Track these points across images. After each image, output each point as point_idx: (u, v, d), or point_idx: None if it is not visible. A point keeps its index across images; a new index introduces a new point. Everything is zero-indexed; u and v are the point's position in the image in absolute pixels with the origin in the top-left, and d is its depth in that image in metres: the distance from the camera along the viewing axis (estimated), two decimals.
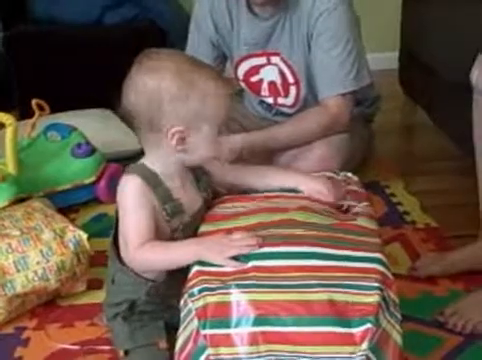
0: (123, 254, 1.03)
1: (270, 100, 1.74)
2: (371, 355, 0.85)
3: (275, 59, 1.67)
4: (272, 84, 1.70)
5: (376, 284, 0.87)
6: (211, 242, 0.94)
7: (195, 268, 0.92)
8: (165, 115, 0.98)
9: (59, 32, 2.41)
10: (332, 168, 1.45)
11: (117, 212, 1.05)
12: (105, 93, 2.34)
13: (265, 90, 1.72)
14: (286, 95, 1.70)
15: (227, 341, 0.85)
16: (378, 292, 0.86)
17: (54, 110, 1.91)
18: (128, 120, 1.02)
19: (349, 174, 1.19)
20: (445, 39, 1.84)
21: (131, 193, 0.99)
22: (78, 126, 1.89)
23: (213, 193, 1.12)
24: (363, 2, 2.00)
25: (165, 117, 0.98)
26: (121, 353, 1.09)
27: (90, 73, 2.34)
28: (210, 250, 0.92)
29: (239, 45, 1.69)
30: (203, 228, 1.03)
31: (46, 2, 2.47)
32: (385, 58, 2.71)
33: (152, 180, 1.01)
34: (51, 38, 2.40)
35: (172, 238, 1.02)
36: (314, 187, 1.08)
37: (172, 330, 1.04)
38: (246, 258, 0.91)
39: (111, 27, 2.46)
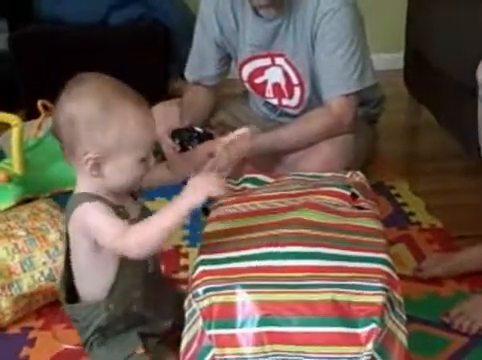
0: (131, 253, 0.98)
1: (275, 101, 1.74)
2: (376, 355, 0.85)
3: (279, 60, 1.67)
4: (276, 85, 1.70)
5: (381, 284, 0.87)
6: (186, 188, 0.95)
7: (200, 268, 0.92)
8: (80, 141, 0.97)
9: (65, 32, 2.42)
10: (337, 169, 1.46)
11: (68, 261, 1.05)
12: None
13: (269, 91, 1.72)
14: (290, 96, 1.70)
15: (232, 341, 0.85)
16: (383, 292, 0.86)
17: None
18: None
19: (358, 172, 1.19)
20: (451, 39, 1.83)
21: (98, 216, 0.98)
22: None
23: None
24: (368, 2, 2.00)
25: (80, 143, 0.97)
26: None
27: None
28: (192, 194, 0.93)
29: (244, 46, 1.69)
30: (208, 228, 1.04)
31: (51, 2, 2.48)
32: (390, 58, 2.71)
33: (98, 198, 1.01)
34: (57, 38, 2.41)
35: None
36: None
37: (148, 337, 1.06)
38: (252, 258, 0.91)
39: (117, 27, 2.47)
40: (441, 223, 1.68)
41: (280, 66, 1.67)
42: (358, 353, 0.84)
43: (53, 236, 1.38)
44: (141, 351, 1.05)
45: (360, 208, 1.05)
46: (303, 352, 0.84)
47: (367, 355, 0.84)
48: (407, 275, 1.44)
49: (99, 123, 0.96)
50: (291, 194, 1.08)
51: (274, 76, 1.69)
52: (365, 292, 0.86)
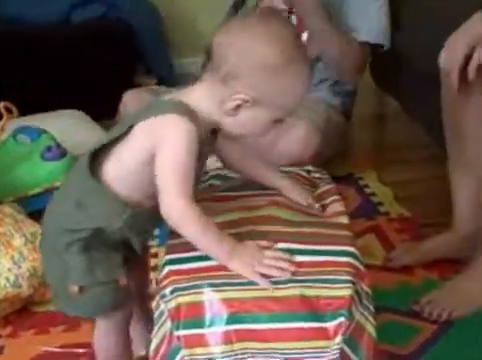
0: (164, 205, 0.90)
1: None
2: (346, 348, 0.85)
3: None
4: None
5: (348, 277, 0.87)
6: (245, 251, 0.88)
7: (166, 268, 0.91)
8: (243, 78, 0.90)
9: (26, 32, 2.36)
10: (312, 147, 1.62)
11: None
12: (75, 93, 2.34)
13: None
14: None
15: (201, 341, 0.84)
16: (350, 285, 0.86)
17: (23, 112, 1.88)
18: (206, 54, 0.92)
19: (317, 173, 1.18)
20: (415, 30, 1.84)
21: (184, 139, 0.89)
22: (48, 128, 1.86)
23: None
24: None
25: (241, 79, 0.90)
26: (75, 288, 0.98)
27: (59, 73, 2.31)
28: (241, 259, 0.87)
29: None
30: None
31: (10, 2, 2.43)
32: None
33: (196, 122, 0.92)
34: (17, 38, 2.35)
35: None
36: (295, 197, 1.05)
37: (132, 254, 1.01)
38: None
39: (79, 26, 2.44)
40: (409, 212, 1.69)
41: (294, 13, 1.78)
42: (327, 347, 0.83)
43: (18, 241, 1.36)
44: (124, 282, 1.00)
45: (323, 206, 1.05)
46: (272, 348, 0.84)
47: (336, 348, 0.84)
48: (377, 265, 1.45)
49: (272, 71, 0.89)
50: (255, 194, 1.06)
51: None
52: (333, 286, 0.86)
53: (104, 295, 0.99)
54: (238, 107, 0.92)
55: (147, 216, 0.99)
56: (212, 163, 1.67)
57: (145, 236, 1.05)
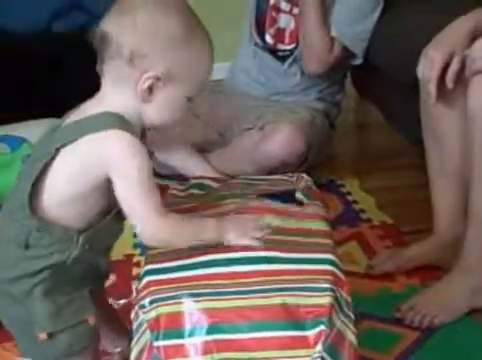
0: (140, 230, 0.89)
1: (270, 41, 1.90)
2: (327, 357, 0.84)
3: (297, 10, 1.82)
4: (281, 30, 1.88)
5: (328, 285, 0.87)
6: (234, 221, 0.94)
7: (145, 279, 0.90)
8: (149, 54, 0.87)
9: (6, 43, 2.34)
10: (298, 148, 1.66)
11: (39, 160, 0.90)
12: (55, 102, 2.32)
13: (271, 31, 1.89)
14: (291, 43, 1.89)
15: (181, 352, 0.83)
16: (330, 293, 0.86)
17: (2, 122, 1.86)
18: (98, 47, 0.89)
19: (303, 175, 1.19)
20: (394, 41, 1.86)
21: (130, 154, 0.86)
22: (28, 137, 1.84)
23: None
24: None
25: (147, 56, 0.87)
26: (43, 335, 0.91)
27: (38, 82, 2.29)
28: (234, 228, 0.92)
29: None
30: None
31: None
32: None
33: (132, 129, 0.88)
34: None
35: None
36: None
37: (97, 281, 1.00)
38: (199, 266, 0.90)
39: (60, 35, 2.42)
40: (391, 219, 1.70)
41: (294, 15, 1.83)
42: (307, 355, 0.83)
43: None
44: (93, 321, 0.94)
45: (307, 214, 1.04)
46: (252, 358, 0.83)
47: (317, 357, 0.83)
48: (359, 272, 1.45)
49: (179, 42, 0.87)
50: (235, 201, 1.06)
51: (284, 22, 1.86)
52: (313, 294, 0.86)
53: (73, 339, 0.93)
54: (151, 89, 0.88)
55: (105, 232, 0.95)
56: (207, 171, 1.68)
57: (108, 254, 1.02)
